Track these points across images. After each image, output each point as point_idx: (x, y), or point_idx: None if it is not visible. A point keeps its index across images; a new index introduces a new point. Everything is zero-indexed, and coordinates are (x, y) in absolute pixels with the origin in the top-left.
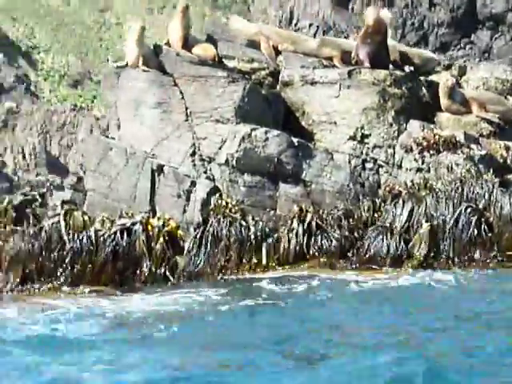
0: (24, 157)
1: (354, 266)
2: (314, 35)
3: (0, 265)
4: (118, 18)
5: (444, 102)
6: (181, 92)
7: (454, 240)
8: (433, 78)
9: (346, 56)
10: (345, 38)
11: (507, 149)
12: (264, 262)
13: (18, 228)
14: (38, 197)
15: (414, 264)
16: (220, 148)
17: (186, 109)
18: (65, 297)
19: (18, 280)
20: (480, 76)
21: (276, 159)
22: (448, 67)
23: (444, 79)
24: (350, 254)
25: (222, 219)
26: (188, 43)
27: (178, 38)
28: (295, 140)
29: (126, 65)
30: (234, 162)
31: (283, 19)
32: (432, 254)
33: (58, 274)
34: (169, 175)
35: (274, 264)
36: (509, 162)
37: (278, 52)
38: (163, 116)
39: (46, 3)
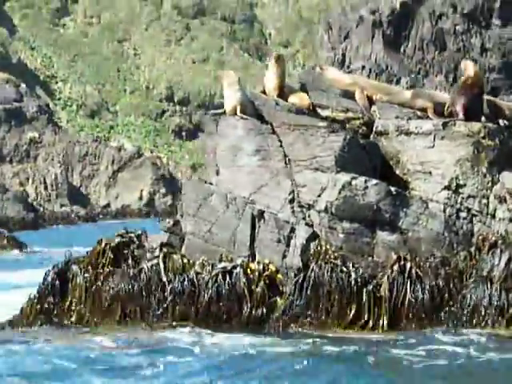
0: (46, 187)
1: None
2: (368, 77)
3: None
4: (136, 49)
5: None
6: (279, 140)
7: None
8: None
9: (439, 107)
10: (397, 80)
11: None
12: (366, 317)
13: (118, 269)
14: (135, 239)
15: None
16: (319, 195)
17: (285, 156)
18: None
19: (118, 319)
20: None
21: (375, 207)
22: None
23: None
24: (453, 308)
25: (323, 265)
26: (284, 92)
27: (274, 86)
28: (393, 189)
29: (224, 112)
30: (334, 210)
31: (336, 61)
32: None
33: (159, 313)
34: (269, 221)
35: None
36: None
37: (371, 102)
38: (262, 163)
39: (64, 33)
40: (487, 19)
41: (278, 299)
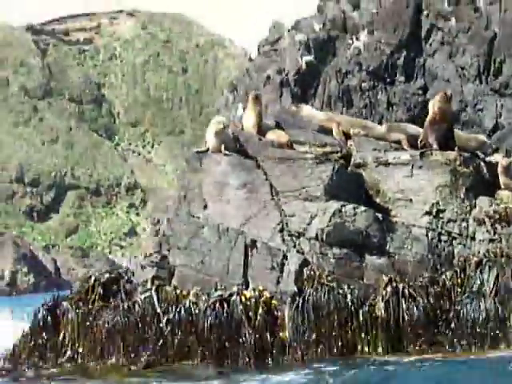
0: None
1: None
2: None
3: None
4: None
5: (503, 180)
6: (265, 173)
7: None
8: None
9: (412, 139)
10: None
11: None
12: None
13: (111, 303)
14: (124, 274)
15: None
16: (309, 223)
17: (271, 188)
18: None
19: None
20: None
21: (364, 232)
22: (495, 150)
23: (501, 160)
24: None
25: (319, 288)
26: (262, 130)
27: (253, 124)
28: (379, 215)
29: (207, 150)
30: (325, 236)
31: None
32: None
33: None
34: (262, 249)
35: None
36: None
37: (347, 137)
38: (249, 196)
39: None
40: (392, 76)
41: (282, 329)
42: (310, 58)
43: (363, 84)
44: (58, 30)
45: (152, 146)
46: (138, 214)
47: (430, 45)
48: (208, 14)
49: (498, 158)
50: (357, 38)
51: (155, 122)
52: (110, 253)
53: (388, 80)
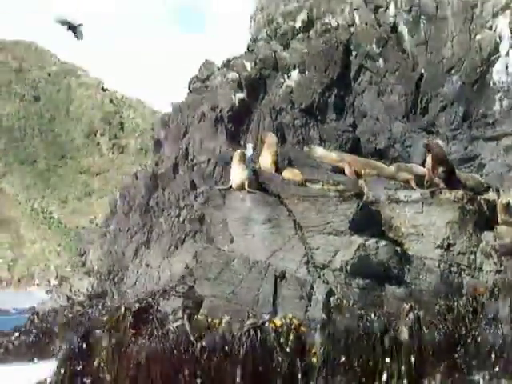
0: None
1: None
2: (213, 170)
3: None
4: None
5: (502, 216)
6: (288, 209)
7: None
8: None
9: (418, 179)
10: None
11: None
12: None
13: (144, 331)
14: (153, 303)
15: None
16: (334, 256)
17: (295, 224)
18: None
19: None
20: None
21: (385, 264)
22: (487, 189)
23: (501, 199)
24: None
25: (349, 315)
26: (278, 168)
27: (271, 163)
28: (398, 248)
29: (230, 187)
30: (349, 268)
31: (179, 155)
32: None
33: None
34: (291, 280)
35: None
36: None
37: (358, 176)
38: (273, 231)
39: None
40: (323, 114)
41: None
42: (242, 95)
43: (296, 121)
44: None
45: (4, 175)
46: None
47: (359, 84)
48: (62, 43)
49: (493, 196)
50: (288, 77)
51: (7, 151)
52: None
53: (319, 117)
